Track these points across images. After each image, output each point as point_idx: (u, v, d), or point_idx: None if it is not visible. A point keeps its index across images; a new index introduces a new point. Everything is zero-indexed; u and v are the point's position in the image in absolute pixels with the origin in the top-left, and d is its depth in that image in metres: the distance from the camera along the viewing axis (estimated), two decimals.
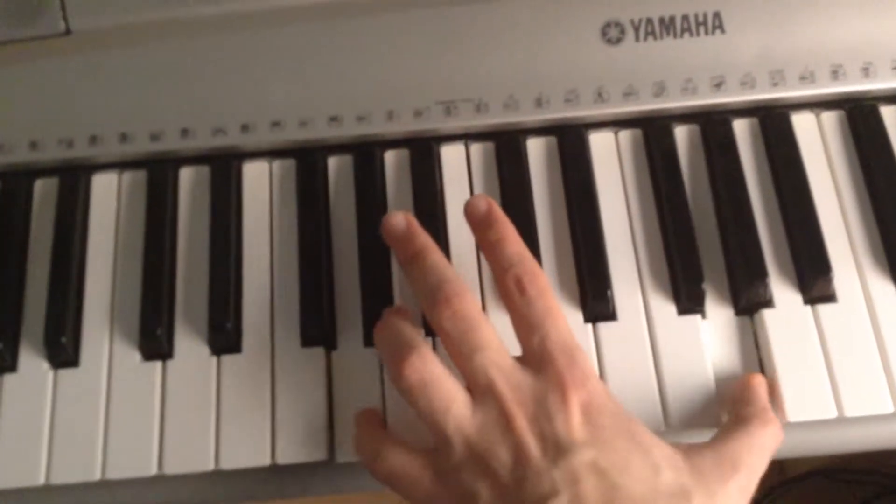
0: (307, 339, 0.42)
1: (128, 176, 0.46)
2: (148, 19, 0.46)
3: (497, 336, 0.37)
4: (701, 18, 0.45)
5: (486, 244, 0.39)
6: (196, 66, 0.45)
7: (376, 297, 0.42)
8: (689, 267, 0.42)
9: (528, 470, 0.34)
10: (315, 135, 0.45)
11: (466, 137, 0.46)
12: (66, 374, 0.42)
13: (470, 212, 0.40)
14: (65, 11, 0.46)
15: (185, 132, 0.45)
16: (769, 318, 0.41)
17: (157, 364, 0.42)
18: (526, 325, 0.37)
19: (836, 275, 0.42)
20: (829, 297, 0.42)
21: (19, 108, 0.45)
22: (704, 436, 0.38)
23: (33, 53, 0.45)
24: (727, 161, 0.45)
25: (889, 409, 0.40)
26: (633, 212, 0.44)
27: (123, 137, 0.45)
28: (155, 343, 0.42)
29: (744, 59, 0.45)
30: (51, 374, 0.42)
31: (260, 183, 0.46)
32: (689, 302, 0.42)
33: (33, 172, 0.46)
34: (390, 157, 0.46)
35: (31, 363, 0.42)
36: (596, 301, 0.42)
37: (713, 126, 0.45)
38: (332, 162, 0.46)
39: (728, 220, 0.43)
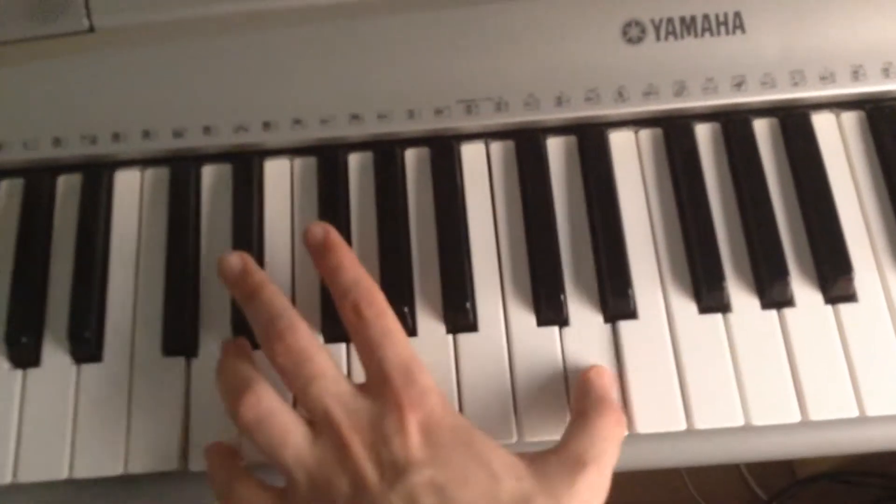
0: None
1: (150, 173, 0.46)
2: (171, 17, 0.46)
3: (334, 365, 0.37)
4: (722, 18, 0.45)
5: (325, 270, 0.40)
6: (218, 63, 0.45)
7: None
8: (709, 266, 0.42)
9: (367, 496, 0.34)
10: (336, 133, 0.45)
11: (487, 136, 0.46)
12: (89, 369, 0.42)
13: (308, 240, 0.40)
14: (88, 9, 0.46)
15: (207, 129, 0.45)
16: (790, 317, 0.41)
17: (181, 360, 0.42)
18: (365, 348, 0.37)
19: (857, 274, 0.42)
20: (850, 297, 0.42)
21: (43, 105, 0.45)
22: None
23: (57, 50, 0.46)
24: (748, 161, 0.45)
25: None
26: (654, 211, 0.44)
27: (146, 134, 0.45)
28: (180, 339, 0.42)
29: (764, 58, 0.45)
30: (74, 368, 0.42)
31: (282, 180, 0.46)
32: (710, 301, 0.42)
33: (57, 169, 0.46)
34: (411, 155, 0.46)
35: (55, 358, 0.42)
36: (617, 299, 0.42)
37: (734, 126, 0.46)
38: (353, 159, 0.46)
39: (749, 220, 0.43)
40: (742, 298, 0.42)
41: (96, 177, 0.45)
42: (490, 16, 0.46)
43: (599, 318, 0.42)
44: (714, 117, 0.46)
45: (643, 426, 0.40)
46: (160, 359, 0.42)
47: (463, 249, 0.43)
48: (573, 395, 0.40)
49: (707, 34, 0.45)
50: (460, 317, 0.42)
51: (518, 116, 0.45)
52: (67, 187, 0.46)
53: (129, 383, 0.42)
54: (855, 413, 0.40)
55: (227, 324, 0.42)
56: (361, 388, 0.37)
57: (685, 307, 0.42)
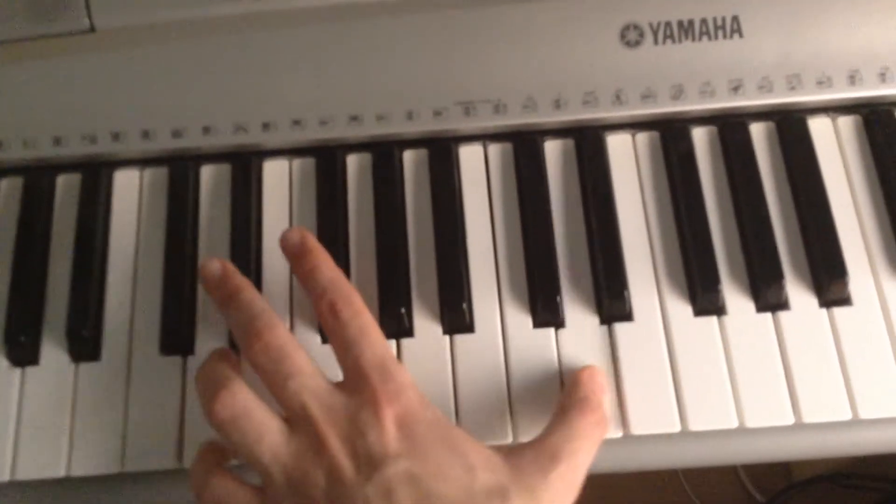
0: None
1: (149, 172, 0.46)
2: (171, 18, 0.46)
3: (311, 363, 0.37)
4: (720, 22, 0.45)
5: (302, 274, 0.40)
6: (218, 64, 0.46)
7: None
8: (705, 269, 0.42)
9: (343, 489, 0.34)
10: (335, 134, 0.45)
11: (485, 138, 0.47)
12: (87, 367, 0.42)
13: (284, 244, 0.41)
14: (89, 9, 0.46)
15: (206, 130, 0.45)
16: (785, 320, 0.42)
17: (178, 359, 0.42)
18: (342, 346, 0.37)
19: (852, 278, 0.42)
20: (845, 301, 0.42)
21: (43, 104, 0.45)
22: None
23: (58, 50, 0.46)
24: (744, 164, 0.45)
25: None
26: (650, 213, 0.45)
27: (145, 134, 0.45)
28: (176, 339, 0.42)
29: (762, 63, 0.45)
30: (72, 367, 0.42)
31: (280, 181, 0.46)
32: (705, 303, 0.42)
33: (56, 168, 0.46)
34: (409, 156, 0.47)
35: (53, 356, 0.42)
36: (613, 301, 0.42)
37: (730, 129, 0.46)
38: (351, 160, 0.46)
39: (744, 223, 0.44)
40: (737, 301, 0.42)
41: (95, 176, 0.46)
42: (489, 18, 0.46)
43: (595, 320, 0.42)
44: (711, 121, 0.46)
45: (638, 427, 0.40)
46: (158, 357, 0.42)
47: (460, 250, 0.44)
48: (563, 391, 0.40)
49: (705, 38, 0.45)
50: (457, 318, 0.42)
51: (516, 119, 0.45)
52: (67, 186, 0.46)
53: (127, 382, 0.42)
54: (848, 416, 0.40)
55: (224, 323, 0.43)
56: (339, 386, 0.37)
57: (681, 309, 0.42)
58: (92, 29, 0.46)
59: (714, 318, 0.42)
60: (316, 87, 0.45)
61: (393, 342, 0.42)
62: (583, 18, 0.46)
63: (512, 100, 0.45)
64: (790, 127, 0.46)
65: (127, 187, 0.46)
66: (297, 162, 0.47)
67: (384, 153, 0.46)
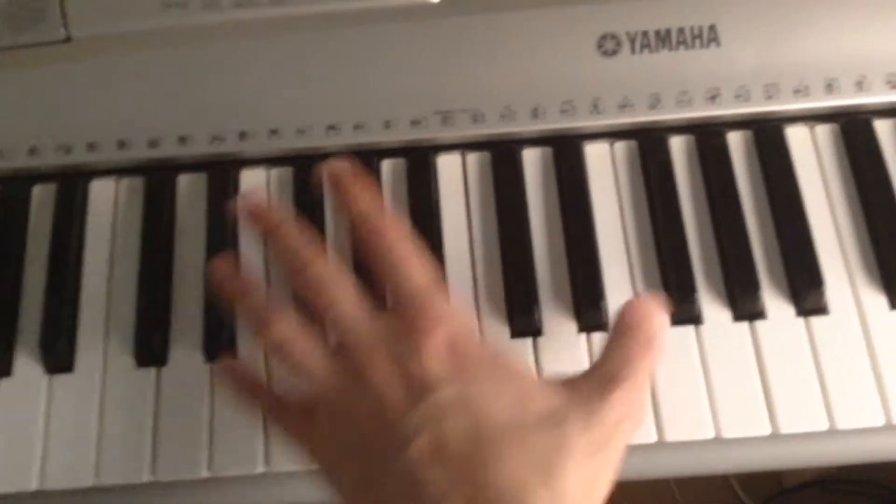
0: None
1: (125, 182, 0.46)
2: (147, 27, 0.46)
3: (354, 291, 0.37)
4: (697, 32, 0.45)
5: (344, 203, 0.39)
6: (195, 73, 0.45)
7: None
8: (681, 278, 0.42)
9: (390, 416, 0.33)
10: (313, 143, 0.45)
11: (463, 147, 0.46)
12: (61, 379, 0.42)
13: (330, 170, 0.40)
14: (65, 19, 0.46)
15: (183, 139, 0.45)
16: (762, 329, 0.41)
17: (152, 371, 0.42)
18: (387, 273, 0.37)
19: (829, 287, 0.42)
20: (822, 310, 0.42)
21: (18, 114, 0.45)
22: None
23: (33, 60, 0.46)
24: (721, 173, 0.45)
25: (880, 422, 0.40)
26: (628, 222, 0.45)
27: (121, 144, 0.45)
28: (150, 350, 0.42)
29: (739, 71, 0.45)
30: (46, 379, 0.42)
31: (258, 190, 0.46)
32: (681, 312, 0.42)
33: (31, 178, 0.46)
34: (387, 165, 0.46)
35: (27, 368, 0.42)
36: (590, 311, 0.42)
37: (708, 138, 0.46)
38: None
39: (721, 232, 0.44)
40: (714, 310, 0.42)
41: (71, 186, 0.45)
42: (466, 28, 0.46)
43: (573, 328, 0.42)
44: (688, 130, 0.46)
45: None
46: (132, 369, 0.42)
47: (438, 260, 0.43)
48: (614, 321, 0.38)
49: (682, 47, 0.46)
50: None
51: (494, 128, 0.45)
52: (42, 197, 0.46)
53: (101, 394, 0.41)
54: (825, 426, 0.40)
55: (200, 334, 0.42)
56: (385, 314, 0.37)
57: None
58: (68, 39, 0.46)
59: (690, 328, 0.42)
60: (294, 97, 0.45)
61: None
62: (560, 28, 0.46)
63: (490, 109, 0.45)
64: (767, 135, 0.46)
65: (102, 197, 0.46)
66: (274, 171, 0.46)
67: (362, 163, 0.46)
